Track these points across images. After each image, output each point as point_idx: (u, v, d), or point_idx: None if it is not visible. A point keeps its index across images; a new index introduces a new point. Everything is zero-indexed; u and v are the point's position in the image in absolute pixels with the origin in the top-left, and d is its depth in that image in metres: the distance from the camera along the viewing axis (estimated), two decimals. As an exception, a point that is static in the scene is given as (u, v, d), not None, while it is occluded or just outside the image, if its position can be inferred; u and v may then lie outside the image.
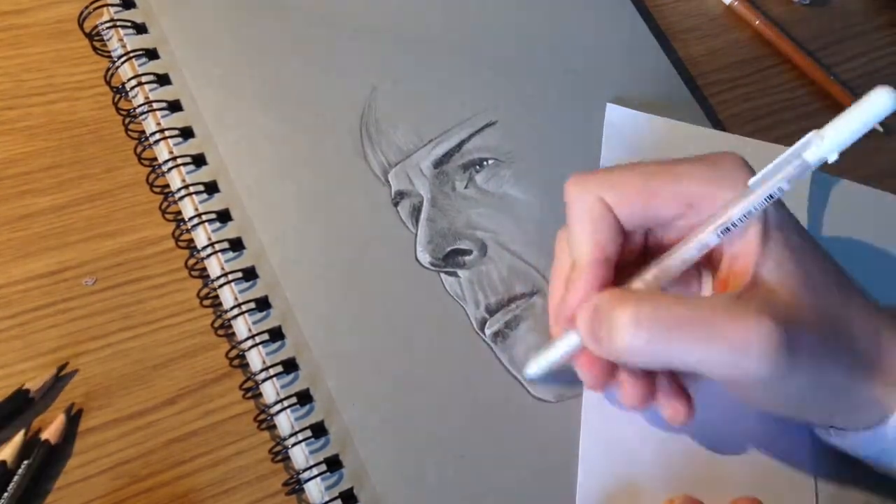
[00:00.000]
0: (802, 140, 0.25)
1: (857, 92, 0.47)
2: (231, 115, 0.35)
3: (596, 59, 0.42)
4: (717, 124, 0.44)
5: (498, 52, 0.40)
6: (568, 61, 0.41)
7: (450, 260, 0.35)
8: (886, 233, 0.39)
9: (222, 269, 0.33)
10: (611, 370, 0.30)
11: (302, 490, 0.31)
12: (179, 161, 0.34)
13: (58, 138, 0.36)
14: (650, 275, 0.29)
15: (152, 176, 0.34)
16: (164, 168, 0.34)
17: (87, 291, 0.33)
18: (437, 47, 0.39)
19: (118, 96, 0.36)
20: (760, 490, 0.31)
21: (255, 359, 0.32)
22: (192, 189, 0.34)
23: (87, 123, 0.36)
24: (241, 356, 0.33)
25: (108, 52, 0.37)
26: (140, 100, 0.35)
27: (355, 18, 0.39)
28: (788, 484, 0.33)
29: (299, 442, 0.30)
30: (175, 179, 0.34)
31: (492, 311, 0.34)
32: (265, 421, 0.31)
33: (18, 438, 0.30)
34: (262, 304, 0.32)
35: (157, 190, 0.35)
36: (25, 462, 0.29)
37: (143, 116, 0.35)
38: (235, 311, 0.32)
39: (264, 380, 0.31)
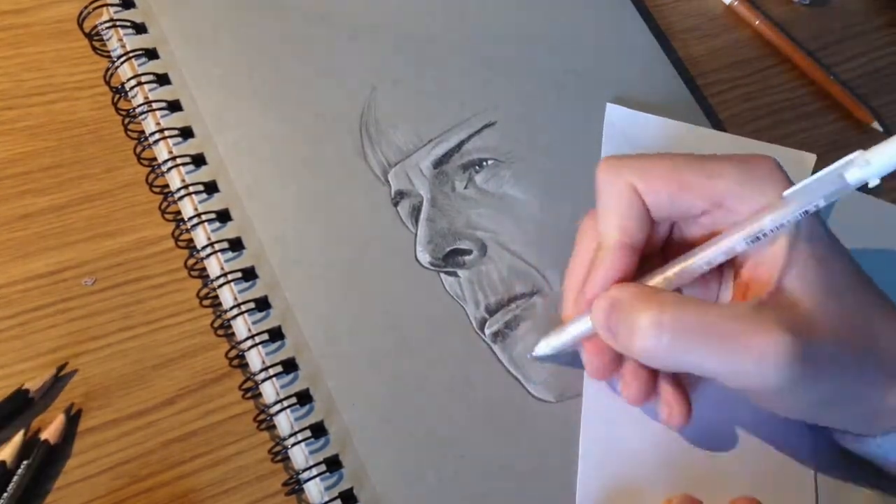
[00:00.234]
0: (846, 158, 0.25)
1: (857, 92, 0.47)
2: (231, 115, 0.35)
3: (596, 59, 0.42)
4: (717, 124, 0.44)
5: (498, 52, 0.40)
6: (568, 61, 0.41)
7: (450, 260, 0.35)
8: (882, 242, 0.40)
9: (222, 269, 0.33)
10: (616, 362, 0.31)
11: (302, 490, 0.31)
12: (179, 161, 0.34)
13: (57, 138, 0.36)
14: (672, 272, 0.29)
15: (152, 176, 0.34)
16: (164, 168, 0.34)
17: (86, 291, 0.33)
18: (437, 47, 0.39)
19: (118, 96, 0.35)
20: (760, 490, 0.31)
21: (255, 359, 0.32)
22: (191, 189, 0.33)
23: (87, 123, 0.36)
24: (241, 356, 0.33)
25: (108, 51, 0.37)
26: (139, 100, 0.35)
27: (355, 18, 0.39)
28: (788, 484, 0.33)
29: (299, 442, 0.30)
30: (174, 179, 0.34)
31: (492, 311, 0.34)
32: (265, 421, 0.31)
33: (18, 438, 0.30)
34: (262, 304, 0.32)
35: (157, 190, 0.35)
36: (25, 462, 0.29)
37: (143, 116, 0.35)
38: (235, 311, 0.32)
39: (264, 380, 0.31)
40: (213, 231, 0.33)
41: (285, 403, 0.31)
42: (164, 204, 0.34)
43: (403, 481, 0.30)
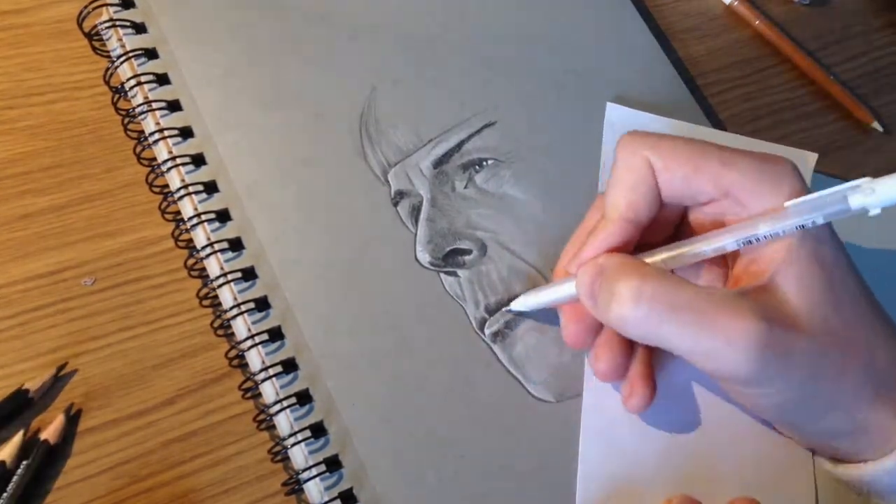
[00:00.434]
0: (852, 183, 0.25)
1: (857, 92, 0.47)
2: (230, 115, 0.35)
3: (596, 59, 0.42)
4: (718, 124, 0.44)
5: (498, 52, 0.40)
6: (568, 61, 0.41)
7: (449, 260, 0.35)
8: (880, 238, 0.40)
9: (222, 269, 0.33)
10: (592, 332, 0.31)
11: (301, 490, 0.31)
12: (179, 161, 0.34)
13: (57, 138, 0.36)
14: (660, 256, 0.29)
15: (151, 176, 0.34)
16: (164, 168, 0.34)
17: (86, 291, 0.33)
18: (437, 47, 0.39)
19: (117, 96, 0.35)
20: (759, 491, 0.31)
21: (255, 359, 0.32)
22: (191, 189, 0.33)
23: (87, 123, 0.36)
24: (241, 356, 0.33)
25: (108, 51, 0.37)
26: (139, 99, 0.35)
27: (355, 18, 0.39)
28: (788, 484, 0.33)
29: (299, 442, 0.30)
30: (174, 179, 0.34)
31: (491, 311, 0.34)
32: (265, 421, 0.31)
33: (18, 438, 0.30)
34: (262, 304, 0.32)
35: (157, 190, 0.35)
36: (25, 462, 0.29)
37: (143, 116, 0.35)
38: (235, 311, 0.32)
39: (264, 380, 0.31)
40: (212, 231, 0.33)
41: (285, 403, 0.31)
42: (164, 204, 0.34)
43: (403, 481, 0.30)
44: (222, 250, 0.33)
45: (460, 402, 0.32)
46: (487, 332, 0.34)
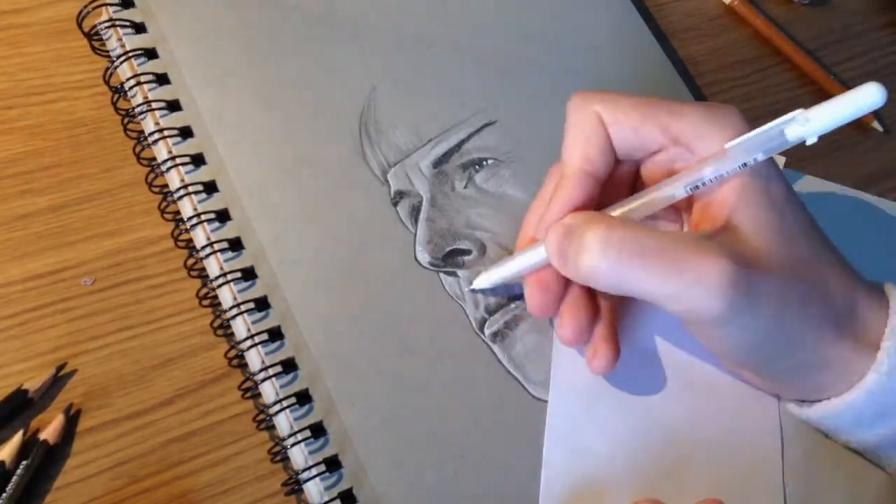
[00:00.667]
0: (786, 116, 0.26)
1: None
2: (230, 115, 0.35)
3: (596, 59, 0.42)
4: (717, 124, 0.44)
5: (498, 51, 0.40)
6: (568, 61, 0.41)
7: (449, 260, 0.35)
8: (863, 234, 0.40)
9: (221, 268, 0.33)
10: (556, 301, 0.31)
11: (301, 490, 0.31)
12: (178, 161, 0.34)
13: (56, 138, 0.36)
14: (617, 212, 0.30)
15: (151, 176, 0.34)
16: (163, 168, 0.34)
17: (85, 291, 0.33)
18: (437, 47, 0.39)
19: (117, 96, 0.35)
20: (727, 493, 0.31)
21: (255, 359, 0.32)
22: (191, 189, 0.33)
23: (86, 123, 0.36)
24: (241, 356, 0.32)
25: (107, 51, 0.37)
26: (139, 99, 0.35)
27: (355, 18, 0.39)
28: (755, 486, 0.32)
29: (298, 442, 0.30)
30: (174, 179, 0.34)
31: (491, 311, 0.34)
32: (264, 421, 0.31)
33: (17, 439, 0.30)
34: (261, 303, 0.32)
35: (156, 190, 0.35)
36: (24, 462, 0.29)
37: (142, 116, 0.35)
38: (234, 311, 0.32)
39: (263, 380, 0.31)
40: (212, 231, 0.33)
41: (285, 403, 0.31)
42: (164, 204, 0.34)
43: (403, 481, 0.30)
44: (222, 250, 0.33)
45: (460, 402, 0.32)
46: (487, 332, 0.34)
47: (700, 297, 0.26)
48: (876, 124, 0.46)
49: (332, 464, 0.30)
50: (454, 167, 0.37)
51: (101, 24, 0.36)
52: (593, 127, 0.30)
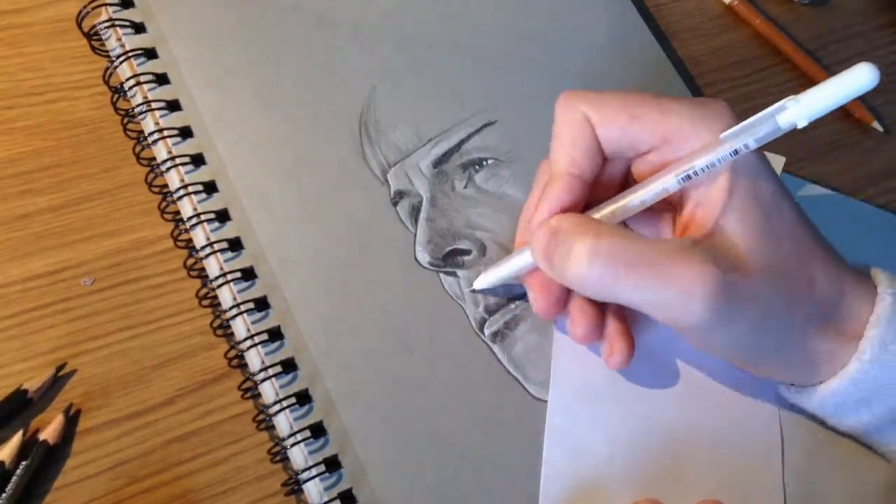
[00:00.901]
0: (777, 104, 0.26)
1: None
2: (230, 115, 0.35)
3: (596, 59, 0.42)
4: (717, 124, 0.44)
5: (498, 51, 0.40)
6: (568, 61, 0.41)
7: (449, 260, 0.35)
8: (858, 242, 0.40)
9: (221, 269, 0.33)
10: (561, 301, 0.31)
11: (301, 490, 0.31)
12: (178, 161, 0.34)
13: (56, 138, 0.36)
14: (609, 209, 0.30)
15: (151, 176, 0.34)
16: (163, 168, 0.34)
17: (85, 291, 0.33)
18: (437, 47, 0.39)
19: (117, 96, 0.35)
20: (727, 493, 0.31)
21: (254, 359, 0.32)
22: (190, 189, 0.33)
23: (86, 123, 0.36)
24: (240, 356, 0.32)
25: (107, 51, 0.37)
26: (139, 99, 0.35)
27: (355, 18, 0.39)
28: (755, 486, 0.32)
29: (298, 442, 0.30)
30: (174, 179, 0.34)
31: (491, 311, 0.34)
32: (264, 421, 0.31)
33: (17, 439, 0.30)
34: (261, 304, 0.32)
35: (156, 190, 0.35)
36: (24, 462, 0.29)
37: (142, 116, 0.35)
38: (234, 312, 0.32)
39: (263, 380, 0.31)
40: (212, 231, 0.33)
41: (284, 403, 0.31)
42: (164, 204, 0.34)
43: (403, 481, 0.30)
44: (222, 250, 0.33)
45: (460, 402, 0.32)
46: (487, 332, 0.34)
47: (687, 306, 0.27)
48: (876, 124, 0.46)
49: (332, 464, 0.30)
50: (454, 167, 0.37)
51: (100, 23, 0.36)
52: (579, 128, 0.30)
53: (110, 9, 0.36)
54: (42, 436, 0.30)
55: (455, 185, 0.36)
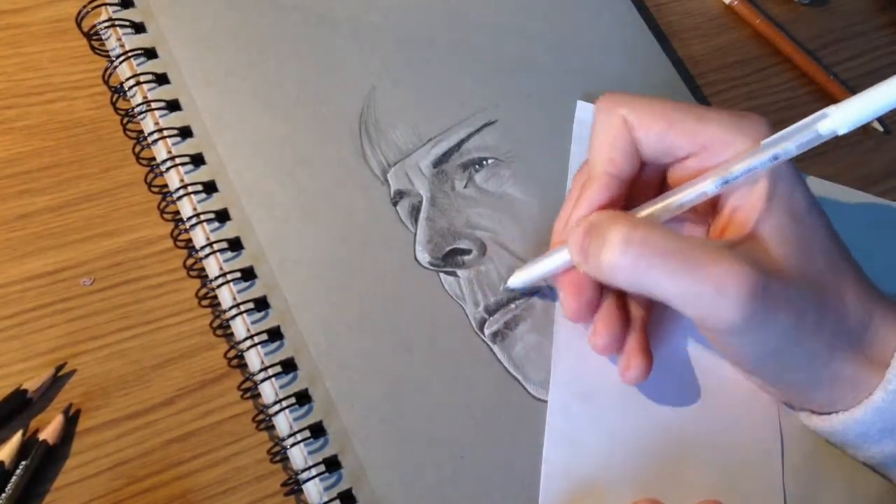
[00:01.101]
0: (819, 112, 0.26)
1: (857, 91, 0.47)
2: (230, 115, 0.35)
3: (596, 59, 0.42)
4: (717, 124, 0.44)
5: (497, 51, 0.40)
6: (568, 61, 0.41)
7: (449, 259, 0.35)
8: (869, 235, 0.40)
9: (221, 269, 0.33)
10: (591, 308, 0.31)
11: (300, 490, 0.31)
12: (178, 161, 0.34)
13: (56, 138, 0.36)
14: (646, 211, 0.30)
15: (150, 175, 0.34)
16: (163, 168, 0.34)
17: (85, 291, 0.33)
18: (436, 47, 0.39)
19: (116, 96, 0.35)
20: (726, 494, 0.30)
21: (254, 359, 0.32)
22: (190, 189, 0.33)
23: (85, 123, 0.36)
24: (240, 356, 0.32)
25: (107, 51, 0.37)
26: (138, 99, 0.35)
27: (355, 18, 0.39)
28: (755, 487, 0.32)
29: (298, 442, 0.30)
30: (173, 179, 0.34)
31: (491, 311, 0.34)
32: (264, 421, 0.31)
33: (16, 439, 0.30)
34: (261, 304, 0.32)
35: (156, 190, 0.34)
36: (23, 463, 0.29)
37: (142, 116, 0.35)
38: (234, 312, 0.32)
39: (263, 380, 0.31)
40: (211, 231, 0.33)
41: (284, 404, 0.31)
42: (163, 204, 0.34)
43: (403, 481, 0.30)
44: (221, 250, 0.33)
45: (460, 402, 0.32)
46: (487, 332, 0.34)
47: (719, 303, 0.26)
48: (876, 124, 0.46)
49: (332, 464, 0.30)
50: (454, 167, 0.37)
51: (100, 23, 0.36)
52: (619, 131, 0.30)
53: (110, 8, 0.36)
54: (42, 436, 0.30)
55: (455, 184, 0.36)
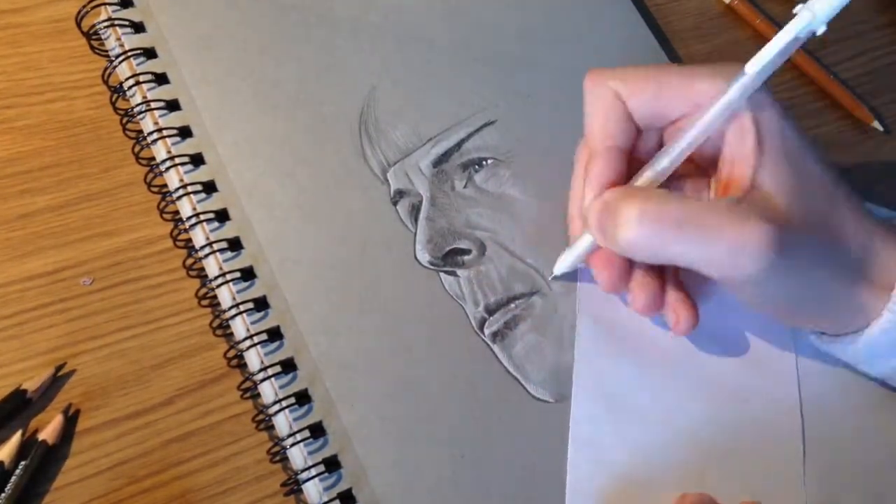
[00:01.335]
0: (793, 20, 0.28)
1: (857, 91, 0.47)
2: (230, 115, 0.35)
3: (596, 59, 0.42)
4: (717, 124, 0.44)
5: (497, 51, 0.40)
6: (568, 60, 0.41)
7: (449, 259, 0.35)
8: None
9: (220, 268, 0.33)
10: (624, 277, 0.32)
11: (300, 491, 0.31)
12: (177, 160, 0.34)
13: (55, 137, 0.36)
14: (646, 175, 0.30)
15: (150, 175, 0.34)
16: (162, 167, 0.34)
17: (84, 291, 0.33)
18: (436, 47, 0.39)
19: (116, 95, 0.35)
20: (749, 498, 0.31)
21: (254, 359, 0.32)
22: (190, 189, 0.33)
23: (85, 123, 0.36)
24: (240, 356, 0.32)
25: (106, 51, 0.37)
26: (138, 99, 0.35)
27: (355, 18, 0.39)
28: (776, 493, 0.32)
29: (298, 442, 0.30)
30: (173, 179, 0.34)
31: (491, 311, 0.34)
32: (263, 421, 0.31)
33: (16, 439, 0.30)
34: (261, 303, 0.32)
35: (155, 189, 0.34)
36: (23, 463, 0.29)
37: (141, 116, 0.35)
38: (234, 311, 0.32)
39: (263, 380, 0.31)
40: (211, 231, 0.33)
41: (284, 404, 0.31)
42: (163, 203, 0.34)
43: (403, 481, 0.30)
44: (221, 250, 0.33)
45: (460, 402, 0.32)
46: (487, 331, 0.34)
47: (739, 262, 0.27)
48: (876, 124, 0.46)
49: (332, 464, 0.30)
50: (454, 166, 0.37)
51: (99, 23, 0.36)
52: (611, 102, 0.31)
53: (109, 8, 0.36)
54: (41, 436, 0.30)
55: (455, 184, 0.36)
